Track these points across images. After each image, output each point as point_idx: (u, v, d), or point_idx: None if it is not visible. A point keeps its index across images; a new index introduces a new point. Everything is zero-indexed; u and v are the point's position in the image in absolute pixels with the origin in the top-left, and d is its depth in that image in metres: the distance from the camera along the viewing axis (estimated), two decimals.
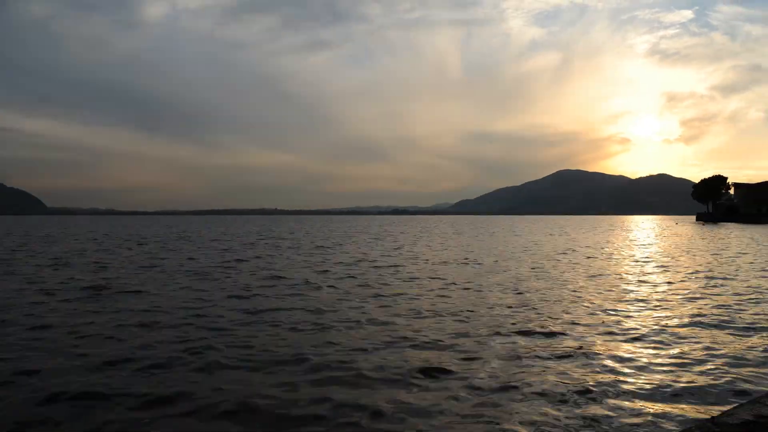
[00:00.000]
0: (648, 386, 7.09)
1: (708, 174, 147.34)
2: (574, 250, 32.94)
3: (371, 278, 18.46)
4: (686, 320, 11.48)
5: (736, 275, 19.56)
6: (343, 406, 6.40)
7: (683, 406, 6.40)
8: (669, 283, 17.65)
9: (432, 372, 7.63)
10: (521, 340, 9.51)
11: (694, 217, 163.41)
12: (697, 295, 14.81)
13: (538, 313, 12.02)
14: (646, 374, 7.62)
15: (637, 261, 25.86)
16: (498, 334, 10.01)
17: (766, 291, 15.64)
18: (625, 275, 19.71)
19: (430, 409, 6.27)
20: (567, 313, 12.05)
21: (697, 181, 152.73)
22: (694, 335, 10.04)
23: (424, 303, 13.36)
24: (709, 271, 21.08)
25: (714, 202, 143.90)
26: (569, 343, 9.27)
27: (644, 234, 62.94)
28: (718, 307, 13.00)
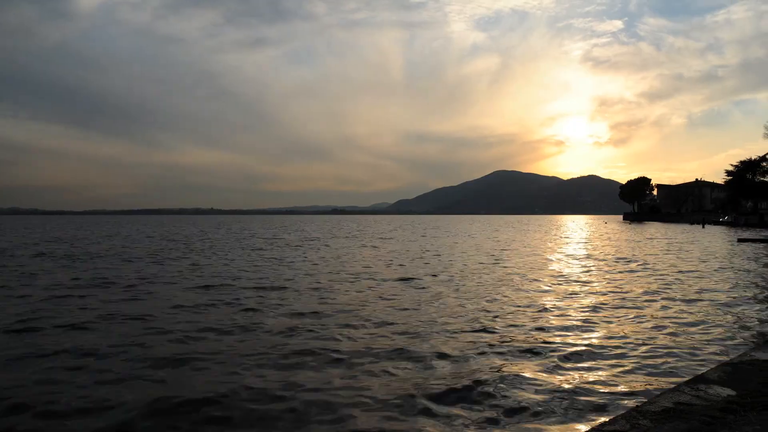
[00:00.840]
0: (575, 374, 7.47)
1: (634, 175, 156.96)
2: (506, 249, 34.03)
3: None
4: (611, 308, 12.18)
5: (652, 268, 20.87)
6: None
7: (611, 394, 6.77)
8: (595, 274, 18.60)
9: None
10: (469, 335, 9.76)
11: (621, 217, 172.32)
12: (624, 285, 15.68)
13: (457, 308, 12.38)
14: (571, 363, 8.00)
15: (571, 256, 27.04)
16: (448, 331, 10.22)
17: (676, 281, 16.78)
18: (560, 271, 20.59)
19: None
20: (490, 303, 12.45)
21: (624, 182, 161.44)
22: (616, 322, 10.66)
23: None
24: (631, 261, 22.38)
25: (639, 202, 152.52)
26: (500, 336, 9.59)
27: (576, 233, 65.79)
28: (641, 294, 13.85)
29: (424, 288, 16.34)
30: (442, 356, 8.51)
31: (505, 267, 22.71)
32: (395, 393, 6.86)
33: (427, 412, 6.26)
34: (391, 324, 10.96)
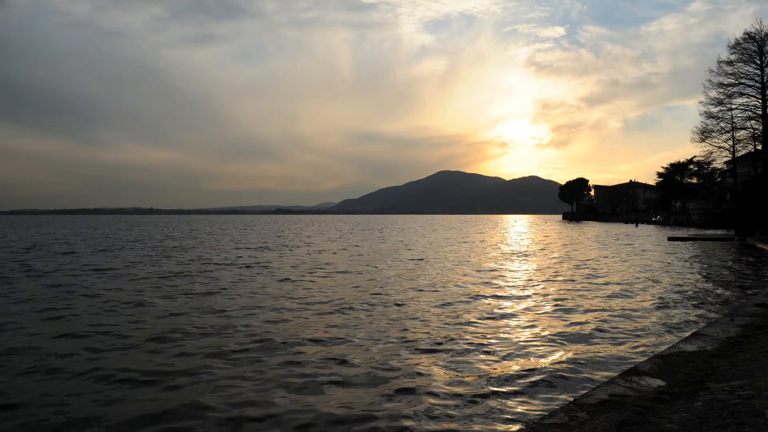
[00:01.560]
0: (513, 369, 7.69)
1: (573, 176, 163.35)
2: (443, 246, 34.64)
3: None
4: (546, 301, 12.63)
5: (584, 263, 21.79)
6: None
7: (548, 389, 7.01)
8: (532, 268, 19.23)
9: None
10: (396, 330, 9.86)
11: (561, 216, 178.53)
12: (558, 277, 16.28)
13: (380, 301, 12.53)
14: (508, 360, 8.24)
15: (513, 252, 27.80)
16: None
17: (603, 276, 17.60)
18: (496, 264, 21.15)
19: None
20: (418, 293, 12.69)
21: (563, 182, 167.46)
22: (552, 316, 11.07)
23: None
24: (568, 258, 23.26)
25: (577, 202, 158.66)
26: (441, 331, 9.77)
27: (519, 232, 67.66)
28: (577, 289, 14.43)
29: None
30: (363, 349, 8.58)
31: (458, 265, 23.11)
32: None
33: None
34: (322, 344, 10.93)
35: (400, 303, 13.58)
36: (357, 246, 37.80)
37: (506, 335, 10.14)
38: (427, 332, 10.27)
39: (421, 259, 26.36)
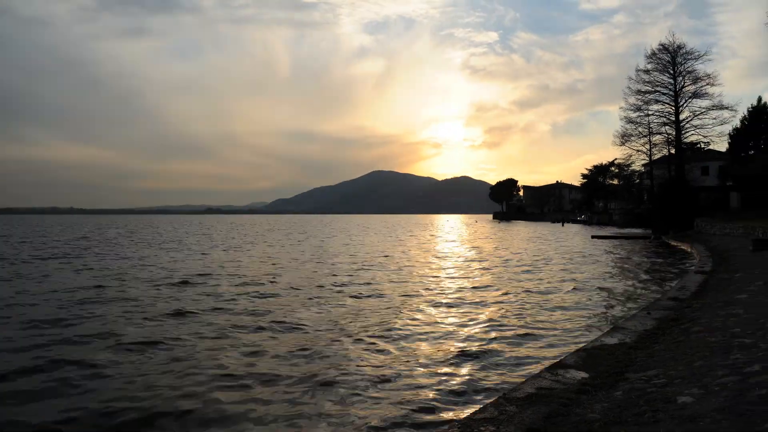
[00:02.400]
0: (445, 365, 7.88)
1: (504, 177, 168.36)
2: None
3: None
4: (474, 298, 13.01)
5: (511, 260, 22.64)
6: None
7: (479, 384, 7.23)
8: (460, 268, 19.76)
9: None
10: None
11: (491, 216, 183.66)
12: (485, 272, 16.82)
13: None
14: (439, 352, 8.45)
15: (443, 252, 28.38)
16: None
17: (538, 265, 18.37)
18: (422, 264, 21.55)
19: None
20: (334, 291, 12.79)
21: (494, 183, 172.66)
22: (482, 311, 11.43)
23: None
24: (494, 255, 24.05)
25: (507, 202, 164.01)
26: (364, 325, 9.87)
27: (449, 232, 69.07)
28: (505, 285, 14.95)
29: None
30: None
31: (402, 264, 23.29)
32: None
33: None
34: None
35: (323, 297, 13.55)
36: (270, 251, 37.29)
37: (435, 330, 10.35)
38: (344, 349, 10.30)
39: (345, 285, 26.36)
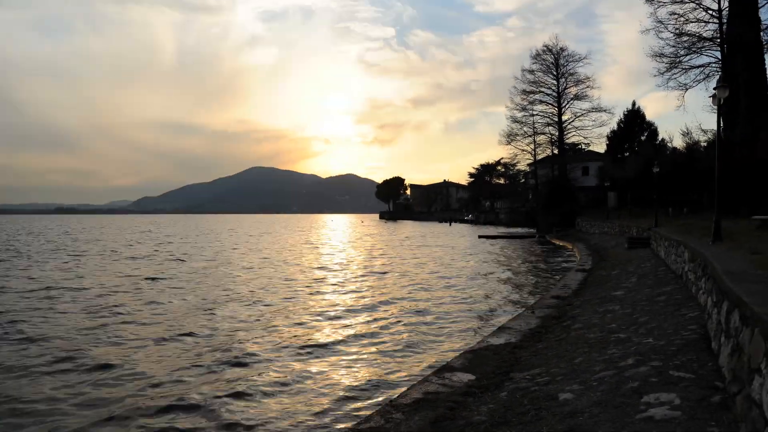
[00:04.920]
0: (330, 373, 7.91)
1: (395, 175, 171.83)
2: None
3: None
4: (362, 300, 13.21)
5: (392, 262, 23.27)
6: None
7: (366, 390, 7.31)
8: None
9: None
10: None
11: (378, 215, 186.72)
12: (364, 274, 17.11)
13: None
14: (322, 359, 8.46)
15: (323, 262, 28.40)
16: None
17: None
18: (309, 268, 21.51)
19: None
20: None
21: (382, 182, 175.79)
22: (368, 315, 11.60)
23: None
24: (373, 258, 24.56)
25: (394, 201, 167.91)
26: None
27: (332, 233, 69.27)
28: (393, 288, 15.30)
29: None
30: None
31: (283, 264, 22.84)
32: None
33: None
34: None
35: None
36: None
37: (322, 338, 10.35)
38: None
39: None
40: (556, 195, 51.69)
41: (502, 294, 16.21)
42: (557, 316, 10.06)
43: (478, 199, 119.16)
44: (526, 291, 16.82)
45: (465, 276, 20.64)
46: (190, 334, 10.78)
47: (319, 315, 12.96)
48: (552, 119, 57.74)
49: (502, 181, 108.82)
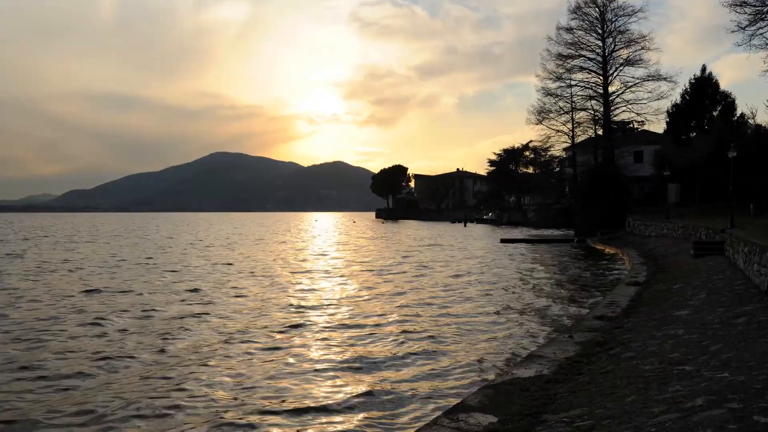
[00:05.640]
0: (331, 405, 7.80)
1: (397, 162, 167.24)
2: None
3: None
4: (362, 318, 13.12)
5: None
6: None
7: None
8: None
9: None
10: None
11: (374, 214, 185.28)
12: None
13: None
14: (319, 395, 8.38)
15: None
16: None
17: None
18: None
19: None
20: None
21: (378, 171, 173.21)
22: (370, 339, 11.50)
23: None
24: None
25: (394, 196, 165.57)
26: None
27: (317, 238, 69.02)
28: (396, 310, 15.21)
29: None
30: None
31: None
32: None
33: None
34: None
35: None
36: None
37: (314, 366, 10.28)
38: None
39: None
40: (601, 188, 51.01)
41: (531, 313, 16.13)
42: (602, 342, 9.96)
43: (501, 194, 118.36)
44: (561, 309, 16.73)
45: (486, 291, 20.55)
46: None
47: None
48: (595, 91, 56.50)
49: (530, 171, 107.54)
